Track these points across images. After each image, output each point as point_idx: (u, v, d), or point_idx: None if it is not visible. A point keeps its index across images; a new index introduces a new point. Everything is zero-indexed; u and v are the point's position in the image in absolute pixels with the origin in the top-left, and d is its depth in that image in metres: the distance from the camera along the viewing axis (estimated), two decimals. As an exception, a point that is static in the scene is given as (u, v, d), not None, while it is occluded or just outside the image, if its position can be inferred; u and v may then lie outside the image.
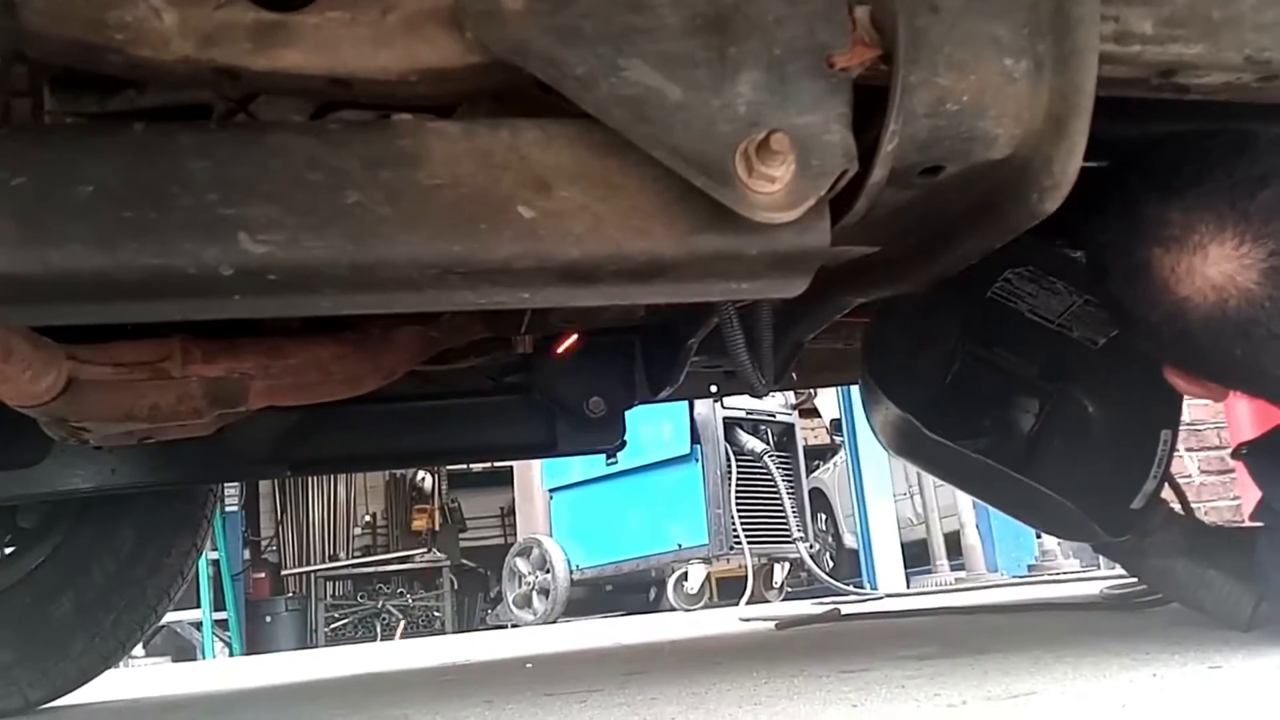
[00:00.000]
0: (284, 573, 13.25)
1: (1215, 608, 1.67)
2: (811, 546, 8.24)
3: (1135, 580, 2.23)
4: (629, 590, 9.09)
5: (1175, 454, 1.78)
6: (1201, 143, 1.31)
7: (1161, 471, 1.75)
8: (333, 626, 12.59)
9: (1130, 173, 1.37)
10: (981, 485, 1.86)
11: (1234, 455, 1.74)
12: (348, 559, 13.47)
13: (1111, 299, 1.45)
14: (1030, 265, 1.77)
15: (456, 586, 13.31)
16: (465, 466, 12.89)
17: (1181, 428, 1.82)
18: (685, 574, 7.90)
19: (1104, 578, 4.44)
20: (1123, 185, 1.37)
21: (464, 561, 13.62)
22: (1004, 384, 1.84)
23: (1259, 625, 1.60)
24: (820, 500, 10.31)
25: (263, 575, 12.82)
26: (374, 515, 13.82)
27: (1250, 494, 2.15)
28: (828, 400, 9.89)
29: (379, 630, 12.48)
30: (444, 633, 11.71)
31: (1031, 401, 1.84)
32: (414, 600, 13.05)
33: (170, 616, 7.74)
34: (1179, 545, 1.72)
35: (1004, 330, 1.81)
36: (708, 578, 8.04)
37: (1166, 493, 1.77)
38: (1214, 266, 1.26)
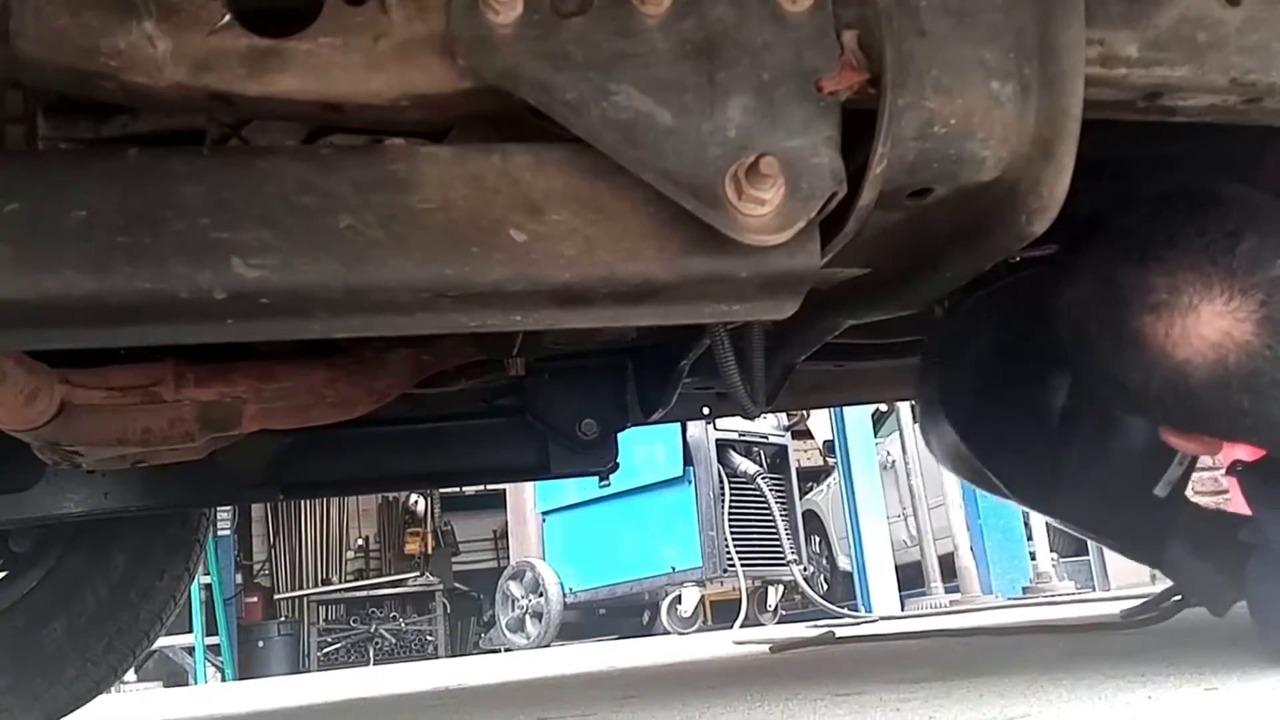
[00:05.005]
0: (276, 597, 13.20)
1: (1200, 593, 1.71)
2: (805, 569, 8.23)
3: (1146, 600, 2.26)
4: (622, 613, 9.06)
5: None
6: (1164, 205, 1.32)
7: (1189, 459, 1.74)
8: (325, 651, 12.53)
9: (1099, 244, 1.36)
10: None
11: (1229, 471, 1.74)
12: (340, 583, 13.42)
13: (1101, 374, 1.41)
14: None
15: (449, 610, 13.26)
16: (458, 489, 12.87)
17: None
18: (679, 597, 7.89)
19: (1099, 599, 4.43)
20: (1094, 257, 1.36)
21: (457, 585, 13.57)
22: (1038, 366, 1.82)
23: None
24: (814, 522, 10.31)
25: (255, 599, 12.77)
26: (366, 539, 13.77)
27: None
28: (820, 422, 9.86)
29: (372, 654, 12.42)
30: (437, 657, 11.66)
31: (1064, 376, 1.81)
32: (407, 624, 12.99)
33: (162, 641, 7.69)
34: (1186, 530, 1.74)
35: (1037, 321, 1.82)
36: (701, 600, 8.02)
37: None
38: (1209, 325, 1.25)
